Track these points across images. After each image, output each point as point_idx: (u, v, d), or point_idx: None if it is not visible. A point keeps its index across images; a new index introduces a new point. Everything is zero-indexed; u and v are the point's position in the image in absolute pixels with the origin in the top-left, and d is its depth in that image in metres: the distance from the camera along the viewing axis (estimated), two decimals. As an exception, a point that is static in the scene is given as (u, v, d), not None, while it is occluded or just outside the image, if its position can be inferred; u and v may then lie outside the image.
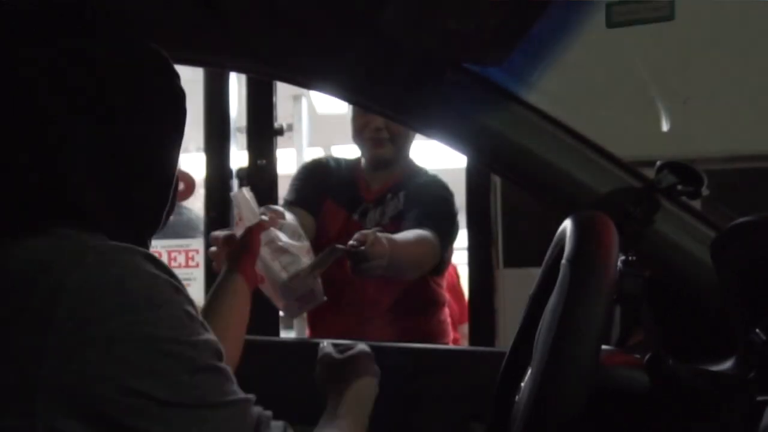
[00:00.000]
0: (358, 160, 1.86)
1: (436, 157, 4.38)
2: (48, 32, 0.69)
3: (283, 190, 1.84)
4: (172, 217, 0.83)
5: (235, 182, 2.11)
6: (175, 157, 0.79)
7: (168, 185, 0.79)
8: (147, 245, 0.77)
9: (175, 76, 0.79)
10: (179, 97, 0.79)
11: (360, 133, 1.77)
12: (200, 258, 3.55)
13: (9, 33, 0.68)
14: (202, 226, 2.80)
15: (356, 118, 1.77)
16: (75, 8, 0.71)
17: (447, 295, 1.94)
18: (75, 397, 0.59)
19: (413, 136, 1.80)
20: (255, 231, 1.09)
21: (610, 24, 1.00)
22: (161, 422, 0.61)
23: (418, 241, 1.56)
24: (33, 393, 0.58)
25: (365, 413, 1.00)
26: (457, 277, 3.10)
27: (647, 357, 0.70)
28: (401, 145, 1.77)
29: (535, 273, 0.93)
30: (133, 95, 0.73)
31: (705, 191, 0.99)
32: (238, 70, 1.37)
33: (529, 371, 0.81)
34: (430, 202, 1.70)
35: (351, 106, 1.79)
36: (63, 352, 0.59)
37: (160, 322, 0.62)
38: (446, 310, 1.88)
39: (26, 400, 0.58)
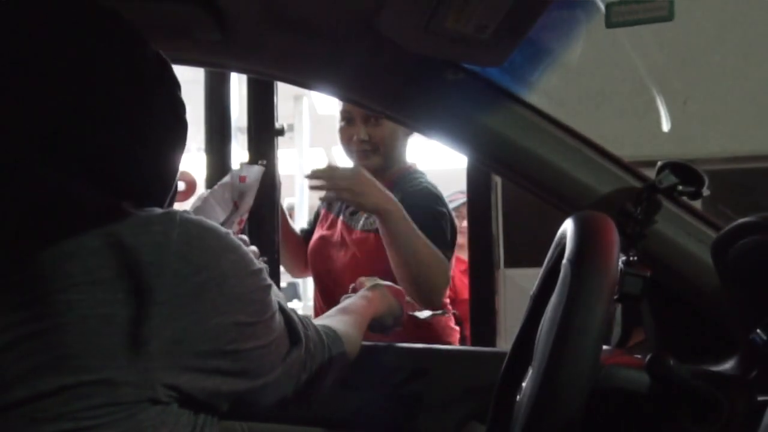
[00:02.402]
0: None
1: (436, 157, 4.38)
2: (58, 36, 0.69)
3: (284, 190, 1.84)
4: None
5: (235, 182, 2.11)
6: (176, 163, 0.80)
7: (167, 189, 0.79)
8: None
9: (176, 86, 0.80)
10: (180, 106, 0.80)
11: (346, 145, 1.78)
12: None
13: (21, 36, 0.68)
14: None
15: (341, 131, 1.78)
16: (83, 12, 0.72)
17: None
18: (186, 343, 0.63)
19: (405, 140, 1.79)
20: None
21: (609, 24, 1.00)
22: (251, 339, 0.71)
23: (431, 245, 1.57)
24: (147, 346, 0.61)
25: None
26: None
27: (648, 357, 0.70)
28: (388, 153, 1.76)
29: (536, 273, 0.93)
30: (135, 101, 0.73)
31: (706, 191, 0.99)
32: (239, 70, 1.37)
33: (530, 371, 0.81)
34: (423, 225, 1.60)
35: (338, 117, 1.79)
36: (178, 297, 0.63)
37: (247, 256, 0.71)
38: (449, 314, 1.86)
39: (141, 355, 0.61)
